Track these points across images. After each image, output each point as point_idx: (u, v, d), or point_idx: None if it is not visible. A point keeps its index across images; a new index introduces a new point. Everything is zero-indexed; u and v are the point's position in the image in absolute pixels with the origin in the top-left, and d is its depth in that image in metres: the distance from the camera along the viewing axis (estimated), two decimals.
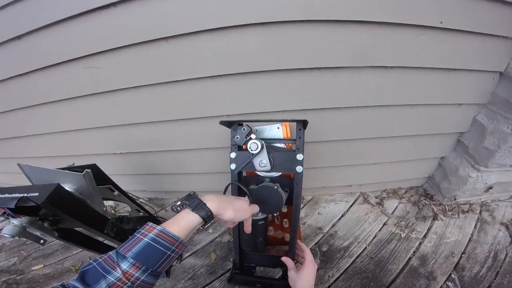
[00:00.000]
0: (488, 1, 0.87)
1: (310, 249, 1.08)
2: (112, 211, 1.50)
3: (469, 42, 0.95)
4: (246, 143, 0.80)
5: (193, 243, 1.25)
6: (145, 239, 0.48)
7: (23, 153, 1.44)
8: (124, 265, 0.45)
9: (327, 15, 0.85)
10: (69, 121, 1.22)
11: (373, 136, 1.19)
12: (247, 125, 0.81)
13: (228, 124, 0.85)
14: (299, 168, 0.81)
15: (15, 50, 1.01)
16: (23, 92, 1.15)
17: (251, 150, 0.79)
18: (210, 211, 0.57)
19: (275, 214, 1.06)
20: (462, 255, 1.12)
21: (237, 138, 0.81)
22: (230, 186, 0.84)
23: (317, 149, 1.19)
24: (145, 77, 1.01)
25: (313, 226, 1.30)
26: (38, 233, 0.67)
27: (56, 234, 0.70)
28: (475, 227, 1.25)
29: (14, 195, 0.57)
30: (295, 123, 0.82)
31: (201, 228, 0.58)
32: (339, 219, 1.34)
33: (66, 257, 1.25)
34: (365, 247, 1.17)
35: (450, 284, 1.01)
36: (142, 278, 0.46)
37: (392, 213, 1.35)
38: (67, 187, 0.75)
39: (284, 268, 0.95)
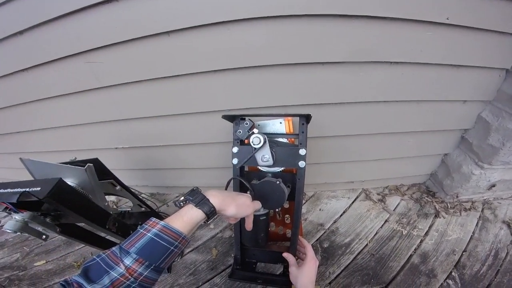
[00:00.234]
0: None
1: (312, 245, 1.08)
2: (114, 206, 1.51)
3: (475, 39, 0.94)
4: (248, 137, 0.80)
5: (194, 239, 1.25)
6: (149, 234, 0.48)
7: (25, 148, 1.44)
8: (128, 261, 0.45)
9: (332, 10, 0.84)
10: (71, 116, 1.22)
11: (376, 132, 1.19)
12: (249, 119, 0.81)
13: (231, 118, 0.84)
14: (301, 163, 0.81)
15: (17, 46, 1.01)
16: (25, 87, 1.14)
17: (254, 144, 0.78)
18: (213, 207, 0.57)
19: (277, 210, 1.06)
20: (463, 253, 1.12)
21: (240, 132, 0.80)
22: (232, 181, 0.84)
23: (320, 144, 1.19)
24: (147, 71, 1.00)
25: (314, 222, 1.30)
26: (40, 229, 0.67)
27: (58, 229, 0.71)
28: (476, 225, 1.25)
29: (16, 189, 0.57)
30: (298, 118, 0.82)
31: (203, 223, 0.58)
32: (341, 215, 1.34)
33: (68, 253, 1.25)
34: (366, 244, 1.17)
35: (450, 282, 1.01)
36: (145, 273, 0.46)
37: (394, 210, 1.35)
38: (69, 181, 0.75)
39: (285, 264, 0.96)
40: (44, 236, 0.69)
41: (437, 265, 1.07)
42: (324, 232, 1.25)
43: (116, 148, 1.31)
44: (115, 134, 1.25)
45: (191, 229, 0.54)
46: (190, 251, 1.20)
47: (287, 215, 1.07)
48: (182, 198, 0.58)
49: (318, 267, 0.85)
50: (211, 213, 0.56)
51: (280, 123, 0.88)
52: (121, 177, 0.93)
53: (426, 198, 1.41)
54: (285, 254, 0.89)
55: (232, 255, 1.14)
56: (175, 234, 0.50)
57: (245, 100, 1.07)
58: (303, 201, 1.42)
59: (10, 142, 1.44)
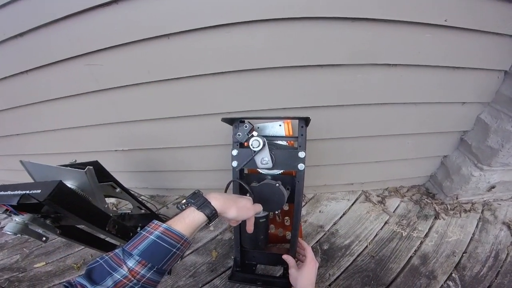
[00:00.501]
0: None
1: (311, 247, 1.08)
2: (114, 208, 1.51)
3: (474, 41, 0.94)
4: (248, 140, 0.80)
5: (194, 241, 1.25)
6: (151, 236, 0.48)
7: (25, 150, 1.45)
8: (130, 263, 0.46)
9: (331, 12, 0.84)
10: (71, 118, 1.22)
11: (375, 134, 1.19)
12: (249, 122, 0.81)
13: (230, 121, 0.84)
14: (301, 166, 0.81)
15: (17, 48, 1.01)
16: (25, 89, 1.15)
17: (253, 147, 0.78)
18: (215, 210, 0.57)
19: (277, 212, 1.06)
20: (463, 255, 1.12)
21: (239, 135, 0.80)
22: (231, 183, 0.84)
23: (319, 147, 1.19)
24: (146, 74, 1.01)
25: (314, 224, 1.30)
26: (40, 231, 0.68)
27: (58, 231, 0.71)
28: (476, 226, 1.25)
29: (16, 192, 0.57)
30: (297, 121, 0.82)
31: (204, 225, 0.58)
32: (341, 217, 1.34)
33: (68, 255, 1.25)
34: (366, 246, 1.17)
35: (450, 283, 1.01)
36: (147, 275, 0.46)
37: (393, 212, 1.35)
38: (69, 184, 0.75)
39: (285, 266, 0.95)
40: (44, 238, 0.69)
41: (437, 266, 1.07)
42: (324, 234, 1.25)
43: (116, 150, 1.31)
44: (115, 136, 1.25)
45: (193, 231, 0.54)
46: (190, 253, 1.20)
47: (286, 217, 1.07)
48: (184, 200, 0.58)
49: (318, 269, 0.85)
50: (212, 215, 0.57)
51: (280, 125, 0.88)
52: (121, 179, 0.93)
53: (425, 199, 1.41)
54: (285, 256, 0.89)
55: (232, 257, 1.14)
56: (177, 236, 0.50)
57: (244, 103, 1.07)
58: (303, 203, 1.42)
59: (10, 144, 1.44)
